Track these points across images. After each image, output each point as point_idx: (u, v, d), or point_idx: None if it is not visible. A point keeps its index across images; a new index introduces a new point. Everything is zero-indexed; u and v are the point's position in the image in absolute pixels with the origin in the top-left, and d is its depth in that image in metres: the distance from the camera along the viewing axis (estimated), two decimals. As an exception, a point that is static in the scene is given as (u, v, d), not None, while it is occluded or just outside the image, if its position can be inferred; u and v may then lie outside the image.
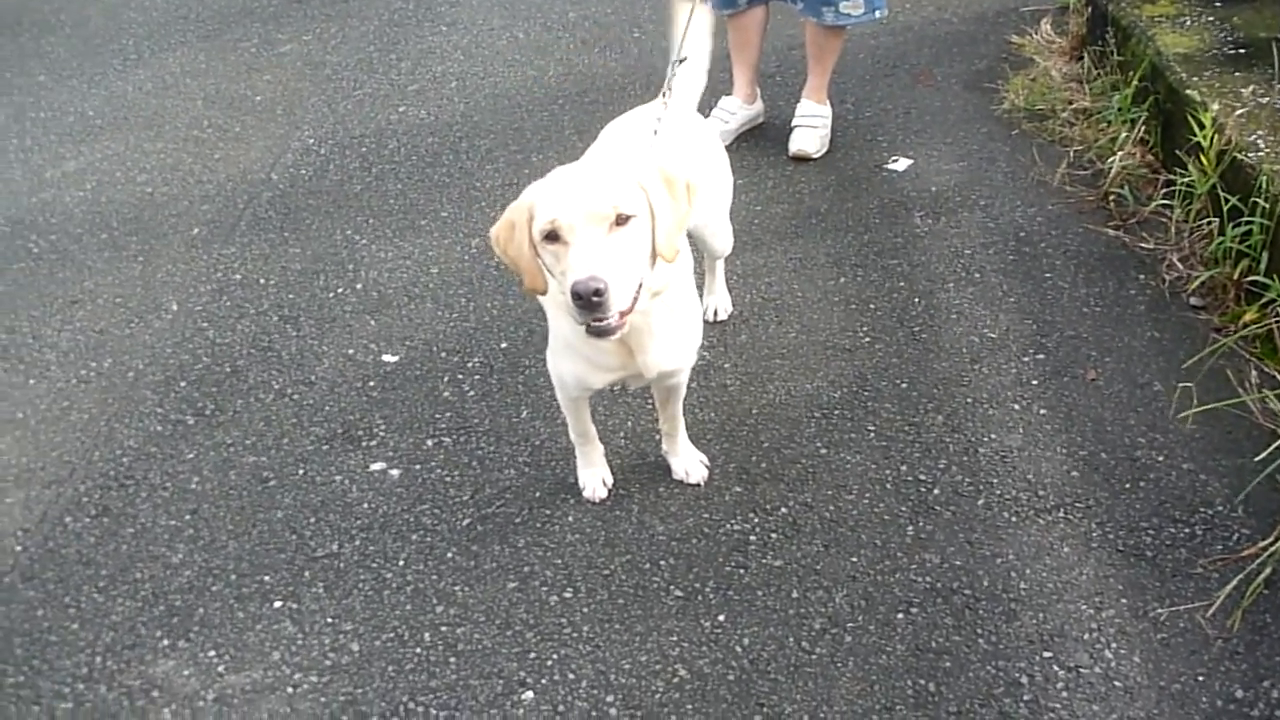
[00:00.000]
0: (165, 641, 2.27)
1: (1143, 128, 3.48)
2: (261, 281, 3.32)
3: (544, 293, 2.00)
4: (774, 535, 2.43)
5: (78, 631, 2.30)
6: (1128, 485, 2.49)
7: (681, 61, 2.67)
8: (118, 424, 2.82)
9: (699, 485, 2.55)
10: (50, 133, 4.24)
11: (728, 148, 3.78)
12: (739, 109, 3.86)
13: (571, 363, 2.23)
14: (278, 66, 4.63)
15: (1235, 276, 2.88)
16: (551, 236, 1.86)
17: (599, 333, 1.89)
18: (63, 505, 2.59)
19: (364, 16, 5.05)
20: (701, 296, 3.03)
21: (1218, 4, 3.75)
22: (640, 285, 1.93)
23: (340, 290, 3.27)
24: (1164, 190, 3.27)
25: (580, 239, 1.83)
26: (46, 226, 3.64)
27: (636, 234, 1.89)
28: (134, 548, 2.48)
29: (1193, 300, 2.98)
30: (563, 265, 1.86)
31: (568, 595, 2.32)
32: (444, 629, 2.27)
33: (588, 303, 1.79)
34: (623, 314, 1.88)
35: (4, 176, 3.95)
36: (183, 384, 2.94)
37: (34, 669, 2.22)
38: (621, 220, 1.85)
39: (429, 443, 2.72)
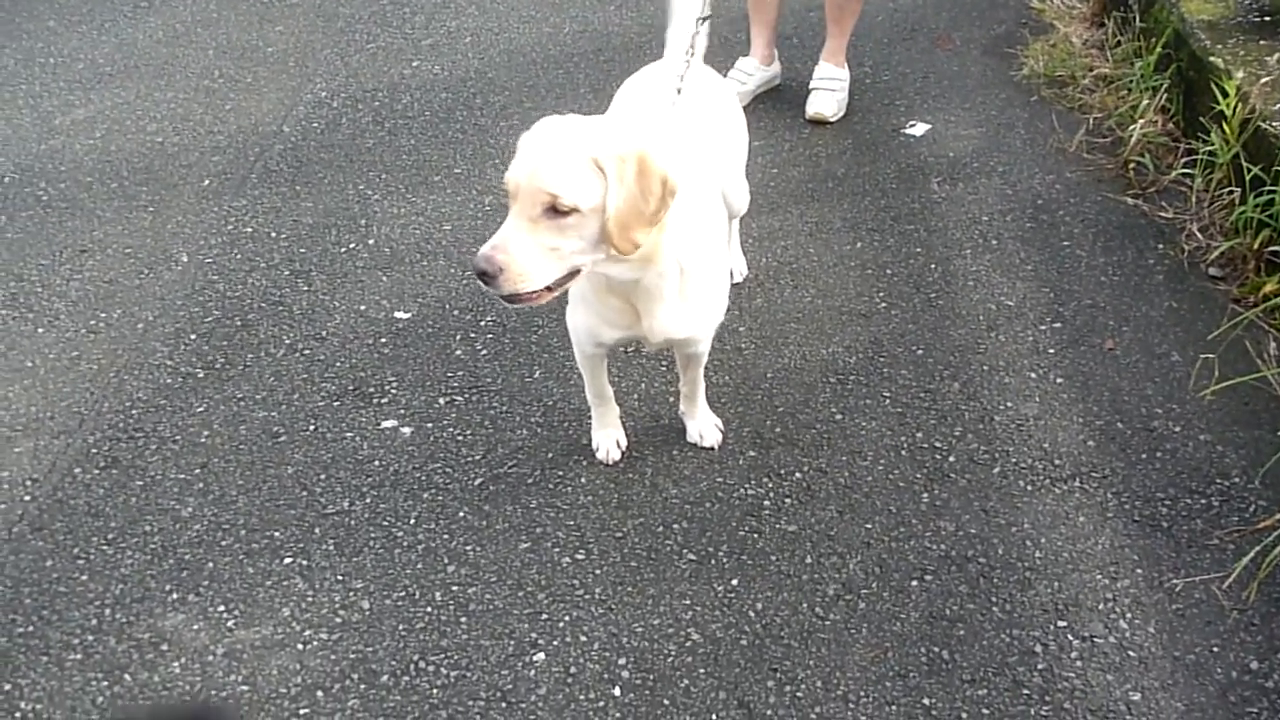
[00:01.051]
0: (175, 595, 2.26)
1: (1164, 95, 3.43)
2: (273, 235, 3.29)
3: None
4: (788, 500, 2.41)
5: (87, 583, 2.29)
6: (1144, 455, 2.47)
7: (705, 19, 2.62)
8: (127, 375, 2.80)
9: (713, 449, 2.53)
10: (60, 79, 4.18)
11: (745, 109, 3.76)
12: (756, 70, 3.81)
13: (584, 315, 2.20)
14: (290, 17, 4.57)
15: (1256, 247, 2.85)
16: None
17: (509, 301, 1.82)
18: (72, 456, 2.58)
19: (376, -32, 4.97)
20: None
21: (1245, -30, 3.68)
22: (577, 268, 1.84)
23: (352, 245, 3.24)
24: (1185, 159, 3.23)
25: (512, 213, 1.77)
26: (56, 174, 3.61)
27: (574, 226, 1.78)
28: (143, 500, 2.47)
29: (1212, 271, 2.95)
30: None
31: (580, 557, 2.31)
32: (455, 588, 2.26)
33: (479, 276, 1.76)
34: (538, 293, 1.81)
35: (13, 123, 3.91)
36: (193, 336, 2.92)
37: (43, 619, 2.22)
38: (559, 210, 1.75)
39: (441, 401, 2.70)
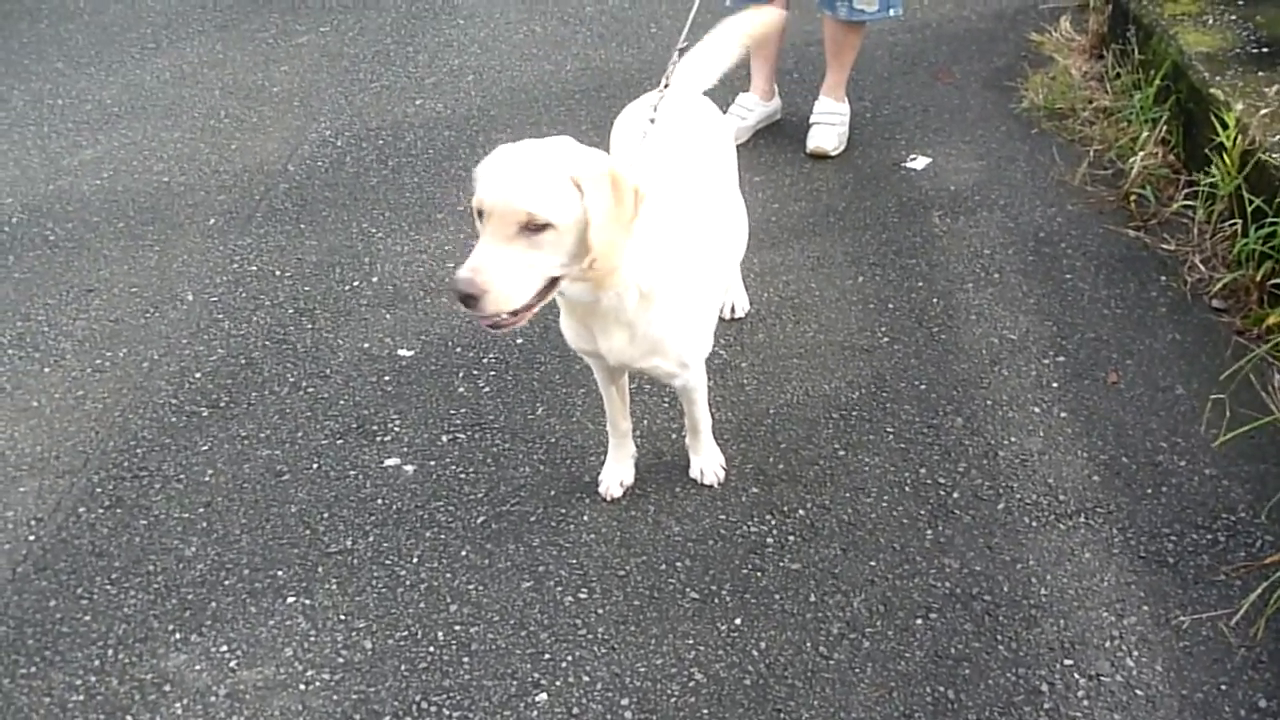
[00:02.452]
0: (177, 635, 2.26)
1: (1164, 127, 3.44)
2: (277, 273, 3.31)
3: None
4: (791, 538, 2.41)
5: (90, 623, 2.29)
6: (1149, 490, 2.46)
7: (682, 51, 2.65)
8: (132, 414, 2.81)
9: (714, 487, 2.53)
10: (68, 120, 4.23)
11: (745, 145, 3.79)
12: (756, 105, 3.83)
13: (565, 320, 2.18)
14: (295, 58, 4.61)
15: (1258, 279, 2.85)
16: (480, 214, 1.80)
17: (491, 327, 1.83)
18: (76, 495, 2.59)
19: (382, 8, 5.03)
20: (719, 294, 3.01)
21: (1240, 2, 3.70)
22: (549, 284, 1.84)
23: (356, 283, 3.26)
24: (1186, 191, 3.24)
25: (485, 234, 1.77)
26: (63, 214, 3.64)
27: (549, 242, 1.78)
28: (147, 540, 2.47)
29: (1215, 303, 2.95)
30: None
31: (583, 596, 2.30)
32: (458, 628, 2.25)
33: (461, 300, 1.76)
34: (514, 313, 1.80)
35: (21, 163, 3.95)
36: (197, 375, 2.93)
37: (46, 660, 2.22)
38: (533, 226, 1.76)
39: (444, 438, 2.70)
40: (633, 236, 1.89)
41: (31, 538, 2.49)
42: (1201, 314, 2.94)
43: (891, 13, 3.57)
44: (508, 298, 1.76)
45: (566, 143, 1.86)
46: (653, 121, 2.32)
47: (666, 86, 2.47)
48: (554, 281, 1.84)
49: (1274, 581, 2.20)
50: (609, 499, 2.52)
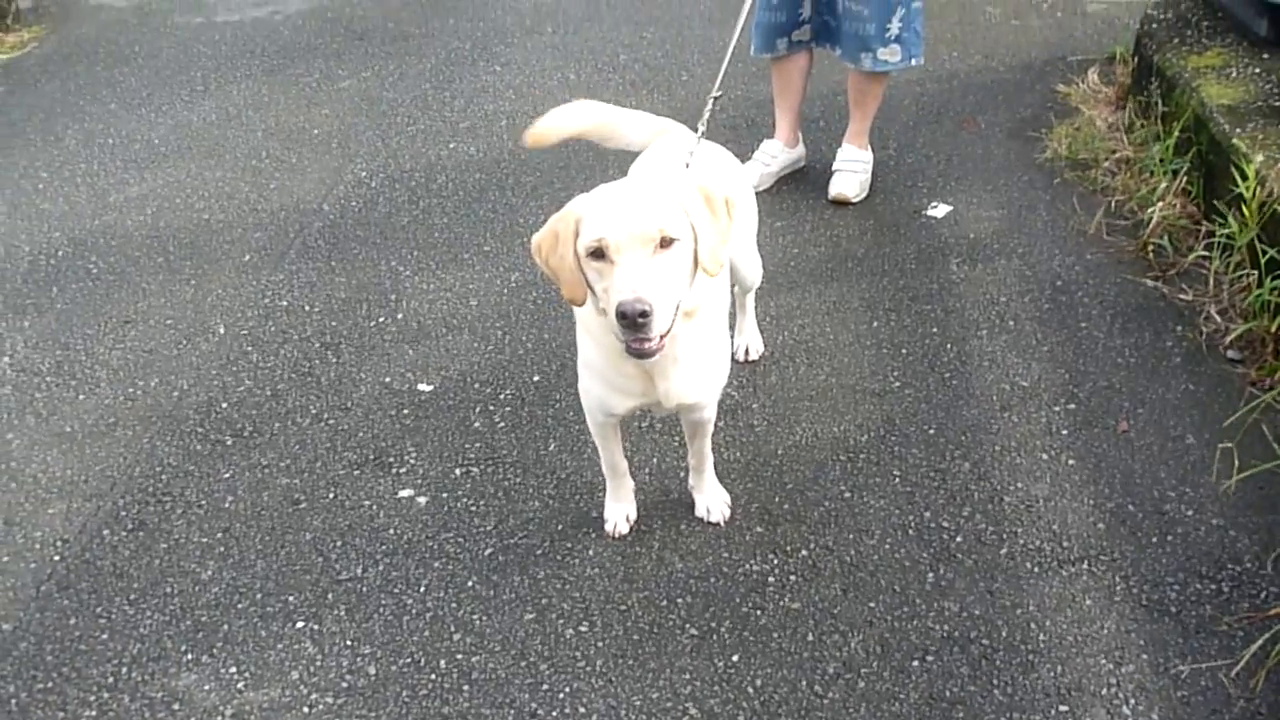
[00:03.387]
0: (189, 655, 2.33)
1: (1185, 178, 3.45)
2: (306, 308, 3.41)
3: (582, 303, 2.02)
4: (793, 577, 2.43)
5: (107, 641, 2.36)
6: (1154, 539, 2.46)
7: (717, 99, 2.73)
8: (160, 441, 2.91)
9: (720, 524, 2.56)
10: (117, 158, 4.39)
11: (768, 191, 3.85)
12: (780, 152, 3.90)
13: (594, 385, 2.27)
14: (336, 101, 4.76)
15: (1273, 329, 2.85)
16: (597, 254, 1.91)
17: (639, 354, 1.93)
18: (101, 518, 2.67)
19: (422, 55, 5.18)
20: (733, 336, 3.06)
21: (1265, 56, 3.72)
22: (678, 306, 1.97)
23: (381, 319, 3.34)
24: (1204, 241, 3.24)
25: (626, 259, 1.88)
26: (106, 248, 3.78)
27: (679, 256, 1.94)
28: (166, 562, 2.55)
29: (1230, 353, 2.94)
30: (606, 282, 1.91)
31: (583, 629, 2.34)
32: (460, 657, 2.30)
33: (632, 322, 1.85)
34: (662, 335, 1.92)
35: (70, 199, 4.10)
36: (224, 405, 3.02)
37: (62, 675, 2.29)
38: (666, 243, 1.90)
39: (457, 471, 2.76)
40: (730, 242, 2.09)
41: (57, 558, 2.58)
42: (1216, 364, 2.93)
43: (913, 61, 3.63)
44: (666, 315, 1.91)
45: (651, 180, 2.11)
46: (687, 166, 2.40)
47: (703, 133, 2.55)
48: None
49: (1276, 634, 2.18)
50: (615, 536, 2.56)
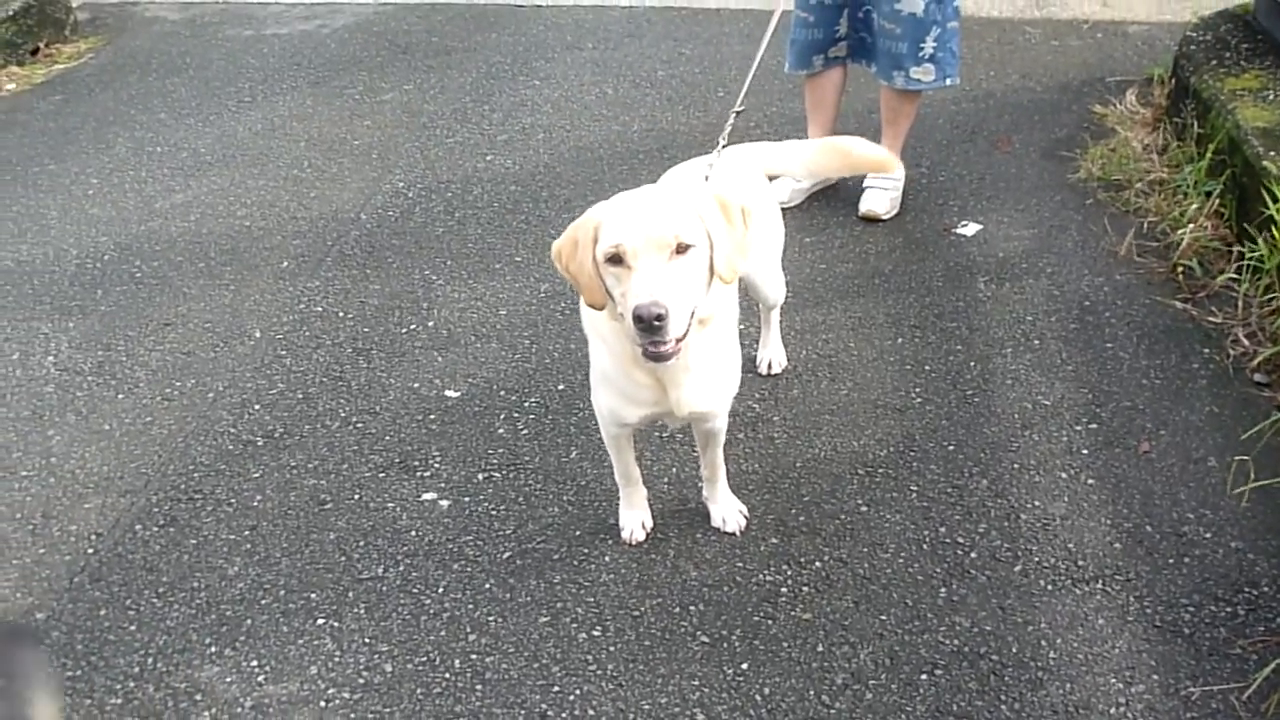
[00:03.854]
0: (213, 648, 2.39)
1: (1218, 201, 3.44)
2: (340, 314, 3.48)
3: (602, 308, 2.08)
4: (805, 588, 2.45)
5: (134, 633, 2.44)
6: (1171, 560, 2.45)
7: (739, 113, 2.77)
8: (194, 440, 2.99)
9: (735, 534, 2.59)
10: (165, 166, 4.51)
11: (799, 207, 3.88)
12: (812, 169, 3.92)
13: (606, 395, 2.31)
14: (378, 113, 4.86)
15: (1301, 355, 2.83)
16: (615, 259, 1.96)
17: (655, 357, 1.97)
18: (135, 513, 2.75)
19: (463, 69, 5.27)
20: (756, 350, 3.09)
21: (1305, 79, 3.69)
22: (694, 313, 2.01)
23: (413, 326, 3.41)
24: (1236, 264, 3.22)
25: (643, 264, 1.93)
26: (151, 253, 3.88)
27: (695, 262, 1.98)
28: (195, 558, 2.62)
29: (1257, 377, 2.92)
30: (624, 287, 1.96)
31: (596, 633, 2.38)
32: (474, 657, 2.34)
33: (649, 326, 1.90)
34: (678, 340, 1.97)
35: (119, 205, 4.22)
36: (257, 407, 3.10)
37: (91, 664, 2.37)
38: (682, 249, 1.95)
39: (479, 476, 2.81)
40: (749, 250, 2.12)
41: (90, 550, 2.66)
42: (1242, 387, 2.92)
43: (948, 81, 3.65)
44: (682, 320, 1.95)
45: (668, 188, 2.13)
46: (706, 179, 2.44)
47: (723, 147, 2.60)
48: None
49: (1291, 658, 2.17)
50: (633, 543, 2.59)
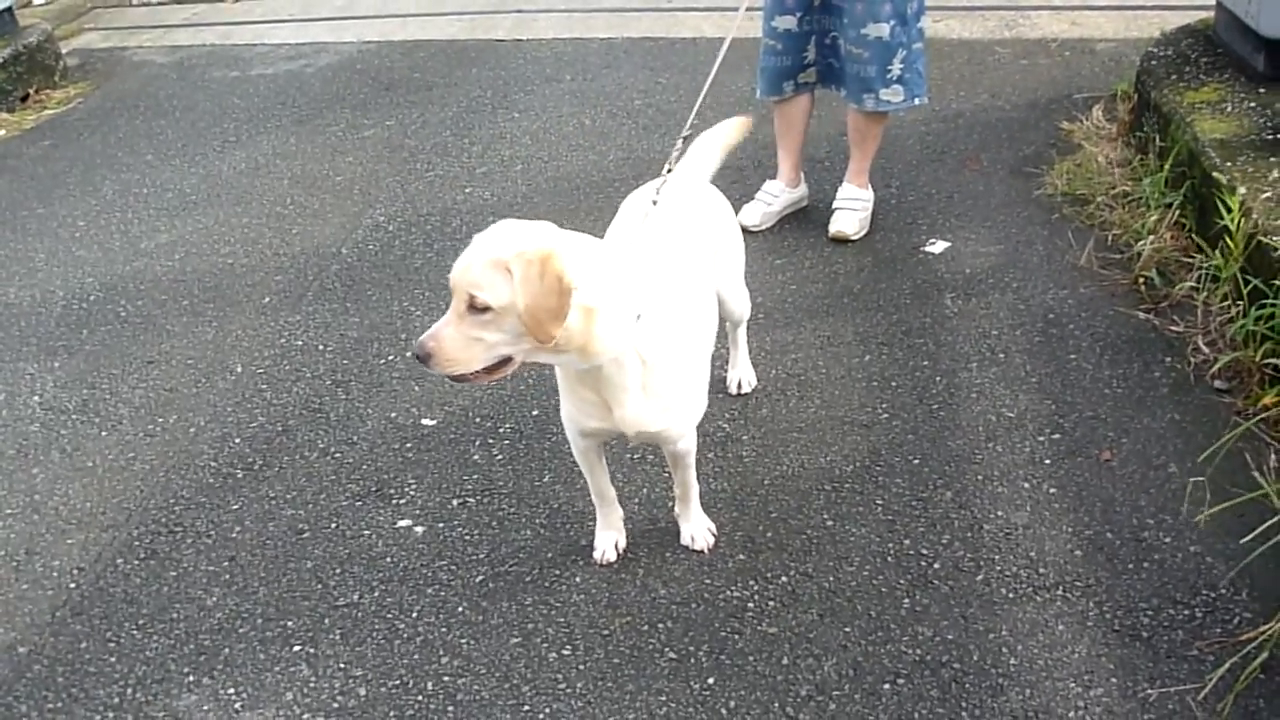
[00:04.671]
0: (191, 677, 2.44)
1: (1178, 212, 3.50)
2: (320, 348, 3.55)
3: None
4: (771, 603, 2.49)
5: (114, 664, 2.48)
6: (1130, 566, 2.49)
7: (687, 138, 2.83)
8: (174, 475, 3.04)
9: (704, 552, 2.63)
10: (150, 207, 4.60)
11: (770, 229, 3.95)
12: (782, 192, 3.99)
13: (566, 404, 2.36)
14: (360, 149, 4.95)
15: (1258, 359, 2.87)
16: None
17: (454, 379, 2.05)
18: (116, 548, 2.81)
19: (444, 103, 5.36)
20: (727, 370, 3.15)
21: (1261, 90, 3.76)
22: (510, 359, 2.03)
23: (391, 357, 3.47)
24: (1196, 274, 3.28)
25: (451, 305, 2.00)
26: (135, 293, 3.96)
27: (491, 320, 1.96)
28: (174, 590, 2.67)
29: (1217, 384, 2.97)
30: None
31: (566, 653, 2.42)
32: (446, 679, 2.38)
33: (417, 359, 2.00)
34: (476, 374, 2.04)
35: (105, 246, 4.30)
36: (237, 440, 3.16)
37: (71, 696, 2.41)
38: (478, 306, 1.95)
39: (454, 502, 2.86)
40: (571, 316, 1.98)
41: (72, 585, 2.71)
42: (1203, 395, 2.96)
43: (916, 101, 3.72)
44: (453, 362, 1.99)
45: (533, 229, 2.04)
46: (655, 204, 2.50)
47: (670, 171, 2.66)
48: (508, 358, 2.04)
49: (1246, 656, 2.21)
50: (604, 563, 2.64)
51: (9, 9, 6.01)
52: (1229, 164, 3.34)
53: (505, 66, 5.76)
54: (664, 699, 2.29)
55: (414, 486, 2.94)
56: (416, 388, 3.32)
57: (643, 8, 6.41)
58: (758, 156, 4.32)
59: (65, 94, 5.96)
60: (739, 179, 4.13)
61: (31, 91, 5.89)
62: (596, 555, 2.65)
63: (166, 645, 2.52)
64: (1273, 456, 2.70)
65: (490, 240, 2.00)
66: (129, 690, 2.42)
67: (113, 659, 2.50)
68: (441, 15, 6.66)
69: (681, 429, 2.38)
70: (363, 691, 2.37)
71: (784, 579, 2.55)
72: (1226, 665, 2.20)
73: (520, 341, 2.00)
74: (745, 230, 3.77)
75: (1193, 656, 2.27)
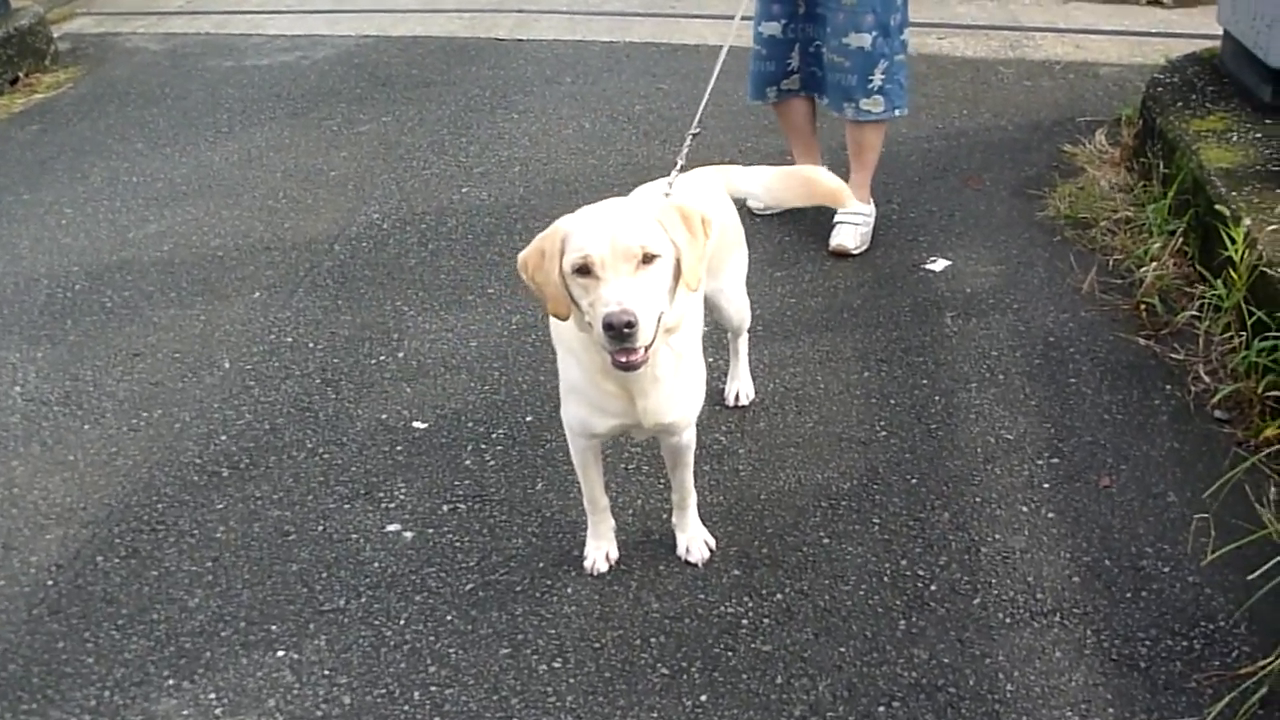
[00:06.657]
0: (171, 681, 2.37)
1: (1181, 240, 3.48)
2: (310, 345, 3.49)
3: (566, 317, 2.11)
4: (766, 620, 2.45)
5: (92, 666, 2.42)
6: (1129, 594, 2.46)
7: (695, 136, 2.82)
8: (158, 471, 2.98)
9: (698, 565, 2.59)
10: (139, 197, 4.53)
11: (770, 241, 3.91)
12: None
13: (575, 405, 2.34)
14: (355, 144, 4.89)
15: (1260, 391, 2.86)
16: (583, 270, 2.00)
17: (625, 366, 2.01)
18: (96, 545, 2.74)
19: (442, 101, 5.31)
20: (726, 382, 3.11)
21: (1267, 121, 3.75)
22: (660, 321, 2.06)
23: (382, 358, 3.42)
24: (1198, 302, 3.26)
25: (611, 275, 1.97)
26: (122, 283, 3.89)
27: (660, 271, 2.03)
28: (155, 590, 2.61)
29: (1218, 413, 2.95)
30: (591, 298, 2.00)
31: (556, 665, 2.37)
32: (434, 689, 2.33)
33: (619, 333, 1.94)
34: (646, 348, 2.01)
35: (91, 235, 4.23)
36: (223, 437, 3.10)
37: (47, 698, 2.35)
38: (648, 259, 1.99)
39: (444, 508, 2.81)
40: (708, 258, 2.17)
41: (50, 583, 2.64)
42: (1204, 424, 2.94)
43: (896, 112, 3.76)
44: (649, 328, 1.99)
45: (632, 201, 2.22)
46: (667, 195, 2.47)
47: (680, 168, 2.64)
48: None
49: (1245, 691, 2.18)
50: (594, 574, 2.59)
51: (1, -10, 5.93)
52: (1234, 194, 3.32)
53: (505, 66, 5.72)
54: (655, 715, 2.25)
55: (404, 490, 2.88)
56: (408, 389, 3.27)
57: (645, 12, 6.39)
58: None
59: (55, 79, 5.88)
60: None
61: (21, 75, 5.81)
62: (586, 565, 2.60)
63: (146, 647, 2.46)
64: (1273, 489, 2.68)
65: (624, 207, 2.14)
66: (106, 693, 2.35)
67: (90, 660, 2.43)
68: (441, 12, 6.61)
69: (692, 417, 2.41)
70: (347, 700, 2.32)
71: (779, 596, 2.51)
72: (1226, 700, 2.17)
73: (668, 296, 2.08)
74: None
75: (1190, 689, 2.24)
